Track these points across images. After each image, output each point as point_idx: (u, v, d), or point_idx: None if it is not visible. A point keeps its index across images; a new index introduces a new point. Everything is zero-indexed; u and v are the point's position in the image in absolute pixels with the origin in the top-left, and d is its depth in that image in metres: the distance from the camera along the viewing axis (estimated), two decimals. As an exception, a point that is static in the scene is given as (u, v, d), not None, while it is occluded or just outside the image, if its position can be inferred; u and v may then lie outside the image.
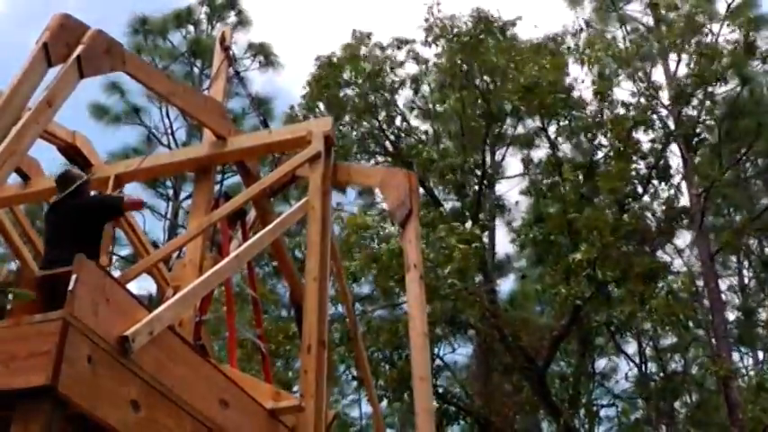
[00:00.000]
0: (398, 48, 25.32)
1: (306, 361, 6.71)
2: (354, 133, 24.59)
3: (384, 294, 21.73)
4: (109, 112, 26.58)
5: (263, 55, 28.51)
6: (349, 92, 24.28)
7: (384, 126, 24.16)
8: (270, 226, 7.35)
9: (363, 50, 24.71)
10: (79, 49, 6.71)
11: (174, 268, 8.53)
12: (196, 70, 27.84)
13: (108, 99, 26.53)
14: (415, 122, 25.49)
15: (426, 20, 24.02)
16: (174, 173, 21.21)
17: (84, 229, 7.11)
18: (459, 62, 23.03)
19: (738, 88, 23.97)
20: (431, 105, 25.69)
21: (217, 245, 9.16)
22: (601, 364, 28.91)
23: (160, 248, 8.44)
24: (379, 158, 25.13)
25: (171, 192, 26.28)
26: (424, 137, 24.94)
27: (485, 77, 23.06)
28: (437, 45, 23.99)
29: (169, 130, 26.40)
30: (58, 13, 6.75)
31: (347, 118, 24.17)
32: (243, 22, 28.65)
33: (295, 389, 18.02)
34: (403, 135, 24.37)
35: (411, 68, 25.50)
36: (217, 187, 10.49)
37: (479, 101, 23.34)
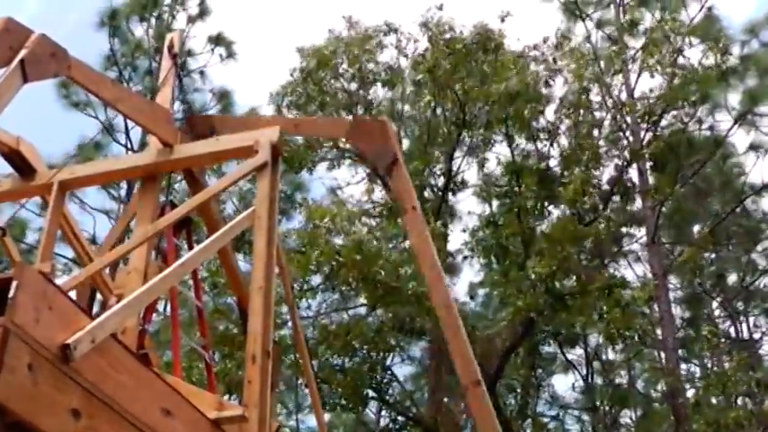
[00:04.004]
0: (385, 35, 25.45)
1: (250, 371, 6.66)
2: None
3: (341, 294, 21.70)
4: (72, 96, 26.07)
5: (223, 46, 27.96)
6: (334, 83, 24.33)
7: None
8: (216, 234, 7.30)
9: (351, 35, 24.80)
10: (23, 52, 6.63)
11: (118, 276, 8.43)
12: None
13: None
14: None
15: (424, 18, 24.23)
16: (120, 180, 20.88)
17: None
18: (445, 65, 22.99)
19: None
20: (400, 105, 25.76)
21: (162, 253, 9.08)
22: (551, 378, 29.12)
23: (103, 256, 8.31)
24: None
25: (123, 193, 25.87)
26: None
27: (465, 84, 23.01)
28: (431, 44, 23.98)
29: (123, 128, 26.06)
30: (1, 18, 6.66)
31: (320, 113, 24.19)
32: (204, 12, 27.98)
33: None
34: None
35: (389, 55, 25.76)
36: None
37: (454, 108, 23.29)
